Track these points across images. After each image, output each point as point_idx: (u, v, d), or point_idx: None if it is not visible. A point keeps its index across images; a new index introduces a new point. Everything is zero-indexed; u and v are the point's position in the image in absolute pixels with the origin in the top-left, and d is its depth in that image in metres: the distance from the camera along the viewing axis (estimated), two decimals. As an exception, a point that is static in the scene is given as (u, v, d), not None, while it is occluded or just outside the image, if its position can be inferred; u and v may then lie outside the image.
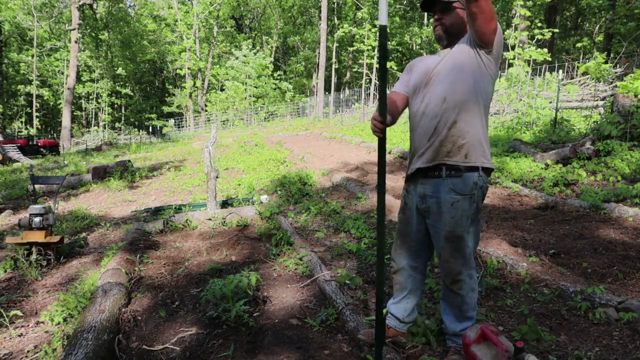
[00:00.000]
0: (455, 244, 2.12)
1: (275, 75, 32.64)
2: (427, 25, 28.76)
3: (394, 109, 2.27)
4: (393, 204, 5.76)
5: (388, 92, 2.13)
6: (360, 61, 30.29)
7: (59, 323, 3.00)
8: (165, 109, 37.05)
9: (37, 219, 4.17)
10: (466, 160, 2.06)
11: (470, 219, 2.12)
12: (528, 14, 17.69)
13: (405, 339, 2.46)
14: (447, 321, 2.30)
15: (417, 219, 2.27)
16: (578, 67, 13.17)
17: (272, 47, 37.57)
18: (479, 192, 2.11)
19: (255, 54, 30.10)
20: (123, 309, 3.07)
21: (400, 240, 2.37)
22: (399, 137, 11.79)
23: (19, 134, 32.30)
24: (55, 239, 4.24)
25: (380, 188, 2.05)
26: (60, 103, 33.03)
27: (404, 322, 2.44)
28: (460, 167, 2.07)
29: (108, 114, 36.81)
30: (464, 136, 2.06)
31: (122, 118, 39.72)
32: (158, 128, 33.45)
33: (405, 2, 28.23)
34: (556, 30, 22.70)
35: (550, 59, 19.17)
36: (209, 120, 30.92)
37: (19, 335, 2.92)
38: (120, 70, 35.78)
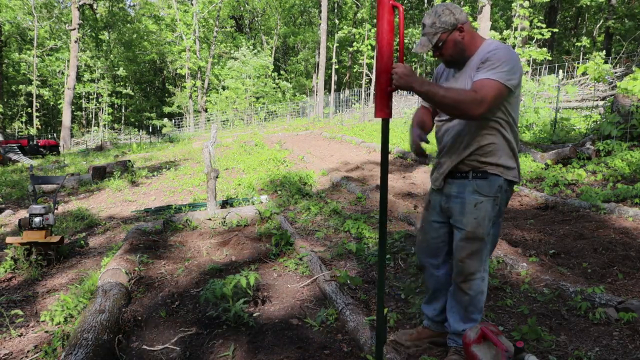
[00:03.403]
0: (474, 245, 2.12)
1: (275, 75, 32.64)
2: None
3: (428, 126, 2.29)
4: (393, 204, 5.76)
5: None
6: (360, 61, 30.30)
7: (59, 323, 3.00)
8: (166, 109, 37.03)
9: (37, 219, 4.17)
10: (489, 172, 2.10)
11: (492, 221, 2.12)
12: (527, 14, 17.69)
13: (443, 339, 2.42)
14: (452, 320, 2.29)
15: (440, 217, 2.29)
16: (578, 67, 13.17)
17: (272, 47, 37.57)
18: (503, 195, 2.12)
19: (255, 54, 30.11)
20: (123, 309, 3.07)
21: (422, 237, 2.40)
22: (398, 137, 11.79)
23: (19, 133, 32.29)
24: (55, 239, 4.24)
25: (383, 188, 2.04)
26: (60, 103, 33.00)
27: (434, 321, 2.44)
28: (487, 171, 2.11)
29: (108, 114, 36.80)
30: (486, 155, 2.08)
31: (122, 118, 39.70)
32: (158, 128, 33.43)
33: (405, 1, 28.22)
34: (556, 30, 22.70)
35: (550, 59, 19.16)
36: (209, 120, 30.91)
37: (19, 335, 2.92)
38: (121, 71, 35.78)
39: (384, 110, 1.90)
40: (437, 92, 1.86)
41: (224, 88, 31.00)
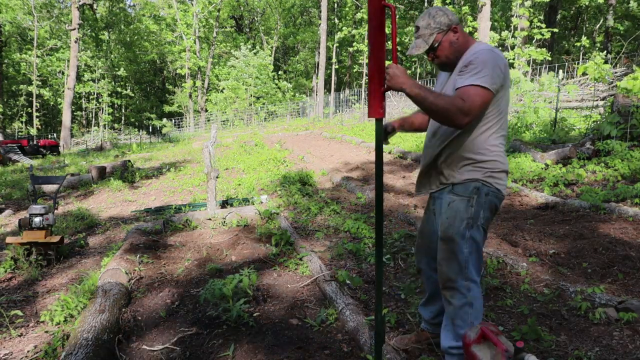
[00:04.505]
0: (447, 246, 2.04)
1: (275, 75, 32.62)
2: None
3: (413, 125, 2.41)
4: (393, 204, 5.76)
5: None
6: (360, 61, 30.31)
7: (59, 323, 3.00)
8: (166, 107, 37.05)
9: (37, 219, 4.18)
10: (466, 173, 2.08)
11: (466, 223, 2.01)
12: (527, 13, 17.69)
13: None
14: (442, 336, 2.17)
15: (433, 219, 2.29)
16: (578, 67, 13.18)
17: (272, 47, 37.56)
18: (481, 198, 2.01)
19: (255, 54, 30.11)
20: (123, 309, 3.08)
21: (419, 240, 2.41)
22: (398, 137, 11.78)
23: (19, 133, 32.28)
24: (55, 238, 4.24)
25: (378, 188, 2.05)
26: (60, 103, 32.99)
27: (431, 323, 2.43)
28: (464, 172, 2.09)
29: (108, 114, 36.80)
30: (467, 165, 2.05)
31: (122, 118, 39.70)
32: (158, 128, 33.42)
33: (405, 1, 28.24)
34: (556, 30, 22.69)
35: (550, 59, 19.15)
36: (209, 120, 30.91)
37: (19, 335, 2.92)
38: (121, 71, 35.79)
39: (377, 110, 1.91)
40: (427, 97, 1.84)
41: (222, 90, 30.98)
